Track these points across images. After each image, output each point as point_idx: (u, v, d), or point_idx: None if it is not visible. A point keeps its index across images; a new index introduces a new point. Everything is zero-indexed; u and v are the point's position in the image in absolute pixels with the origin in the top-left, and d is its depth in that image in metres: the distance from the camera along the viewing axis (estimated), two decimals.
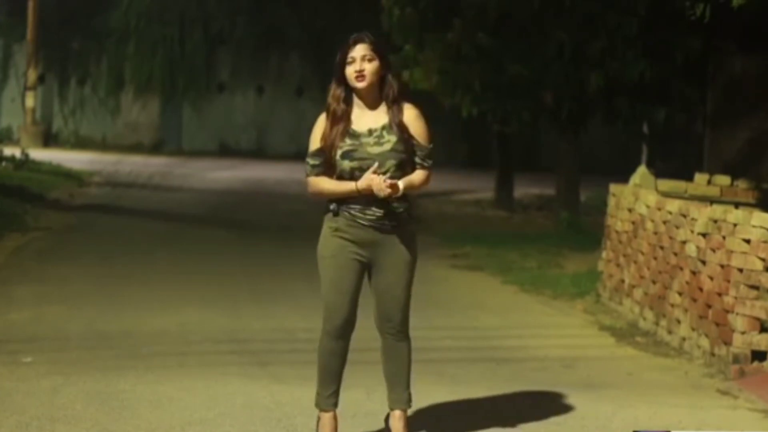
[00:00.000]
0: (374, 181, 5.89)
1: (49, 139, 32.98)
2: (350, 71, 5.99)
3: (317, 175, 6.06)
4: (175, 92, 34.15)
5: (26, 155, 22.52)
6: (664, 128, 17.50)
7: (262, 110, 34.69)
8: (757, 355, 8.36)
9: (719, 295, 8.70)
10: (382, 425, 6.46)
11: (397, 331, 6.16)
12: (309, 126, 6.20)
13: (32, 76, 33.04)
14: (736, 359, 8.37)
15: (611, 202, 11.61)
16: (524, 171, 24.03)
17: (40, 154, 24.95)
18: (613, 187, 11.69)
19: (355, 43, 6.01)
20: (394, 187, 5.88)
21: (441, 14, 16.81)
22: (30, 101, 32.99)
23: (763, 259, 8.33)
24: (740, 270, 8.45)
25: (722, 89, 13.87)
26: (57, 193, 19.79)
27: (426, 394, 7.02)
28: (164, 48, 33.84)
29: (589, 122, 17.34)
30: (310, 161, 6.08)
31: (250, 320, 9.81)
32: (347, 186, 5.98)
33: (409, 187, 5.99)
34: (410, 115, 6.07)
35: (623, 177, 12.62)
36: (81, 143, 33.39)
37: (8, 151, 22.67)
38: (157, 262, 12.98)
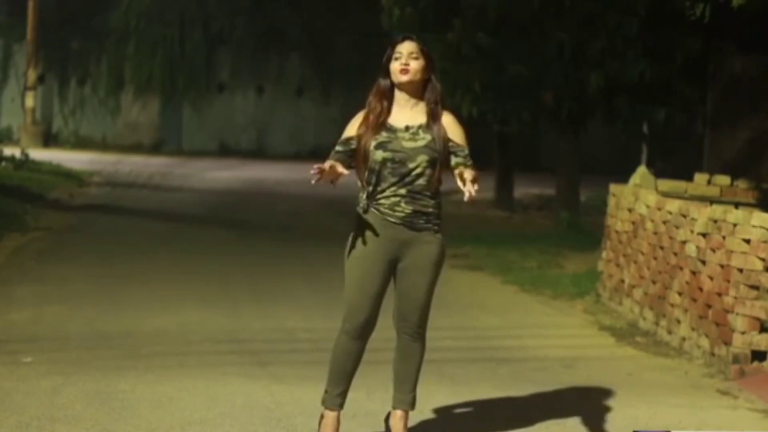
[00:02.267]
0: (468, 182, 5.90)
1: (49, 139, 33.01)
2: (396, 65, 6.10)
3: (335, 161, 6.05)
4: (175, 92, 34.18)
5: (26, 155, 22.52)
6: (664, 128, 17.50)
7: (262, 110, 34.69)
8: (757, 355, 8.37)
9: (719, 295, 8.70)
10: (382, 425, 6.45)
11: (413, 331, 6.18)
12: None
13: (32, 76, 33.07)
14: (736, 359, 8.37)
15: (611, 202, 11.60)
16: (524, 171, 24.03)
17: (40, 154, 24.96)
18: (613, 187, 11.69)
19: (404, 40, 6.16)
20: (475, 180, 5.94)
21: (441, 14, 16.83)
22: (30, 101, 33.01)
23: (763, 259, 8.33)
24: (740, 270, 8.45)
25: (722, 89, 13.89)
26: (57, 193, 19.79)
27: (426, 394, 7.00)
28: (164, 48, 33.87)
29: (589, 122, 17.35)
30: (336, 147, 6.13)
31: (250, 320, 9.81)
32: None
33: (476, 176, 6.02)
34: (449, 120, 6.16)
35: (623, 177, 12.62)
36: (81, 143, 33.42)
37: (8, 151, 22.68)
38: (157, 262, 12.97)
